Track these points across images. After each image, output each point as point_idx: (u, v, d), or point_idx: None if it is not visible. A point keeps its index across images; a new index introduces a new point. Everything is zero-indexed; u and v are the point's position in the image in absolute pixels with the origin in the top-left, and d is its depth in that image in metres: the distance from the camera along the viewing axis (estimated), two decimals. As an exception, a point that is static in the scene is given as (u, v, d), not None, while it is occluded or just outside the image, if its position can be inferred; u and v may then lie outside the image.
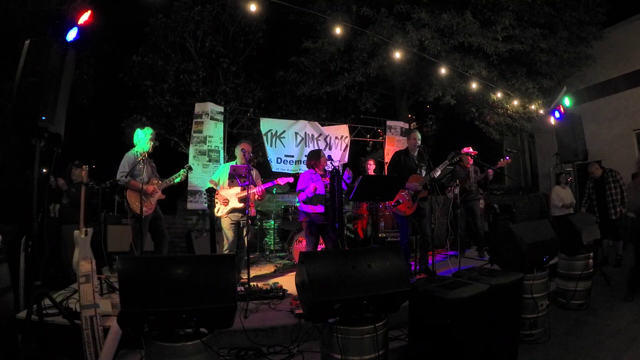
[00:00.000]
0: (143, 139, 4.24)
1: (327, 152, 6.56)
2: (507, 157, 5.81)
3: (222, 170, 4.60)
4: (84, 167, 4.31)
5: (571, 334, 3.35)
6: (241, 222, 4.42)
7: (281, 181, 4.51)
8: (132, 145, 4.34)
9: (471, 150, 5.61)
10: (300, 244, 5.58)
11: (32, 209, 2.81)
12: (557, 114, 5.37)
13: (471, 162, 5.81)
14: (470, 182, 5.71)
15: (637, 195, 5.08)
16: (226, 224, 4.40)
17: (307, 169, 4.71)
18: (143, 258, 2.96)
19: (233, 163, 4.56)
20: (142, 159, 4.09)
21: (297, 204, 6.31)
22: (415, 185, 4.43)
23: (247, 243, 3.97)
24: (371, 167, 6.65)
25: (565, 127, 5.22)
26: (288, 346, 2.92)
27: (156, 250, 4.46)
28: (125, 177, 4.03)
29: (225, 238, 4.46)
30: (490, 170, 5.63)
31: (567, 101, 5.60)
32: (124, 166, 4.13)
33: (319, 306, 2.23)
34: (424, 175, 4.53)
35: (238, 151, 4.48)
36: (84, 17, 3.15)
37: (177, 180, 4.35)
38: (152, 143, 4.26)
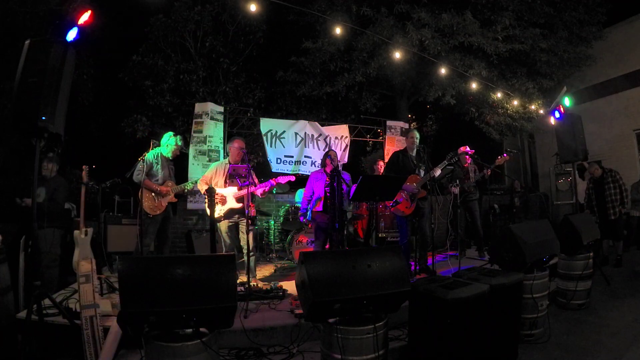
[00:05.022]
0: (170, 144, 4.38)
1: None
2: (505, 154, 5.71)
3: (215, 170, 4.39)
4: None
5: (571, 334, 3.35)
6: (239, 224, 4.28)
7: (281, 180, 4.35)
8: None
9: (468, 149, 5.55)
10: (300, 244, 5.59)
11: (32, 209, 2.81)
12: (557, 114, 5.37)
13: (469, 161, 5.75)
14: (469, 182, 5.69)
15: None
16: (223, 228, 4.28)
17: (316, 169, 4.74)
18: (143, 258, 2.96)
19: (225, 161, 4.44)
20: (157, 160, 4.25)
21: (297, 204, 6.34)
22: (412, 187, 4.42)
23: (248, 244, 3.84)
24: (382, 168, 6.62)
25: (565, 127, 5.22)
26: (288, 346, 2.92)
27: (157, 250, 4.46)
28: (140, 175, 4.05)
29: (222, 242, 4.37)
30: (488, 171, 5.60)
31: (567, 101, 5.60)
32: (138, 167, 4.15)
33: (319, 306, 2.24)
34: (422, 175, 4.53)
35: (234, 149, 4.32)
36: (84, 17, 3.14)
37: (189, 187, 4.47)
38: (174, 152, 4.43)
